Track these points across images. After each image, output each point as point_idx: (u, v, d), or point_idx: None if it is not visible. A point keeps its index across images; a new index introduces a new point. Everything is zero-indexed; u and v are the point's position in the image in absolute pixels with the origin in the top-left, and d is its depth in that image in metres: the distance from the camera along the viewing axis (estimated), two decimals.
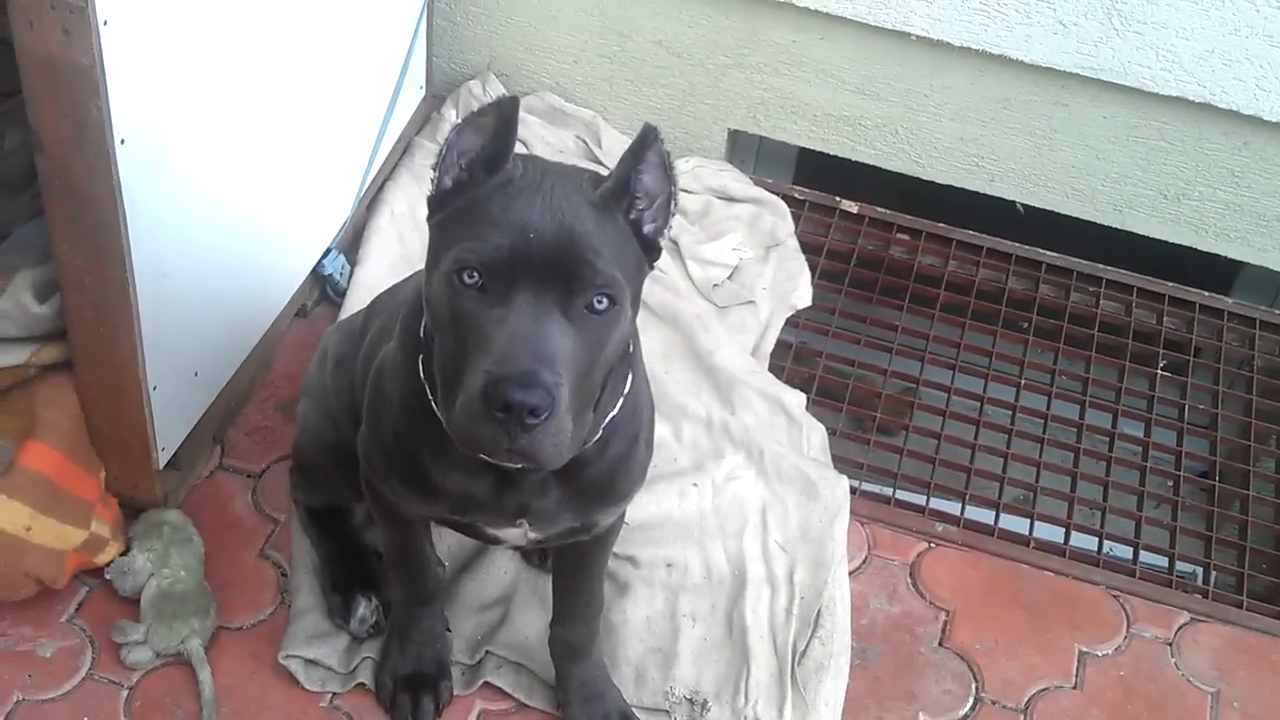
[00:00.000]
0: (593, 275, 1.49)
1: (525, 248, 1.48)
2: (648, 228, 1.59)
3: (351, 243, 2.78)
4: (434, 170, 1.57)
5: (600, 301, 1.50)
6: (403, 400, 1.75)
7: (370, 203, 2.83)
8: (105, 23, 1.73)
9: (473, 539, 2.02)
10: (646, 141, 1.53)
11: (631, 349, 1.75)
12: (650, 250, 1.61)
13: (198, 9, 1.97)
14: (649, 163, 1.54)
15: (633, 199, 1.56)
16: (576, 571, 2.04)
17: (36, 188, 1.97)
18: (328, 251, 2.67)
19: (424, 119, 3.03)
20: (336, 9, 2.44)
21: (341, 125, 2.63)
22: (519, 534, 1.85)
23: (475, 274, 1.49)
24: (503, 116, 1.52)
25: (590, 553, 2.01)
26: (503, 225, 1.49)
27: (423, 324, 1.69)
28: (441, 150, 1.57)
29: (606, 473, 1.79)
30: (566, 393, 1.47)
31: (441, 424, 1.60)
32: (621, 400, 1.74)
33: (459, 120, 1.58)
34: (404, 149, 2.96)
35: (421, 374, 1.70)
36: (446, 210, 1.57)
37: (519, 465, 1.62)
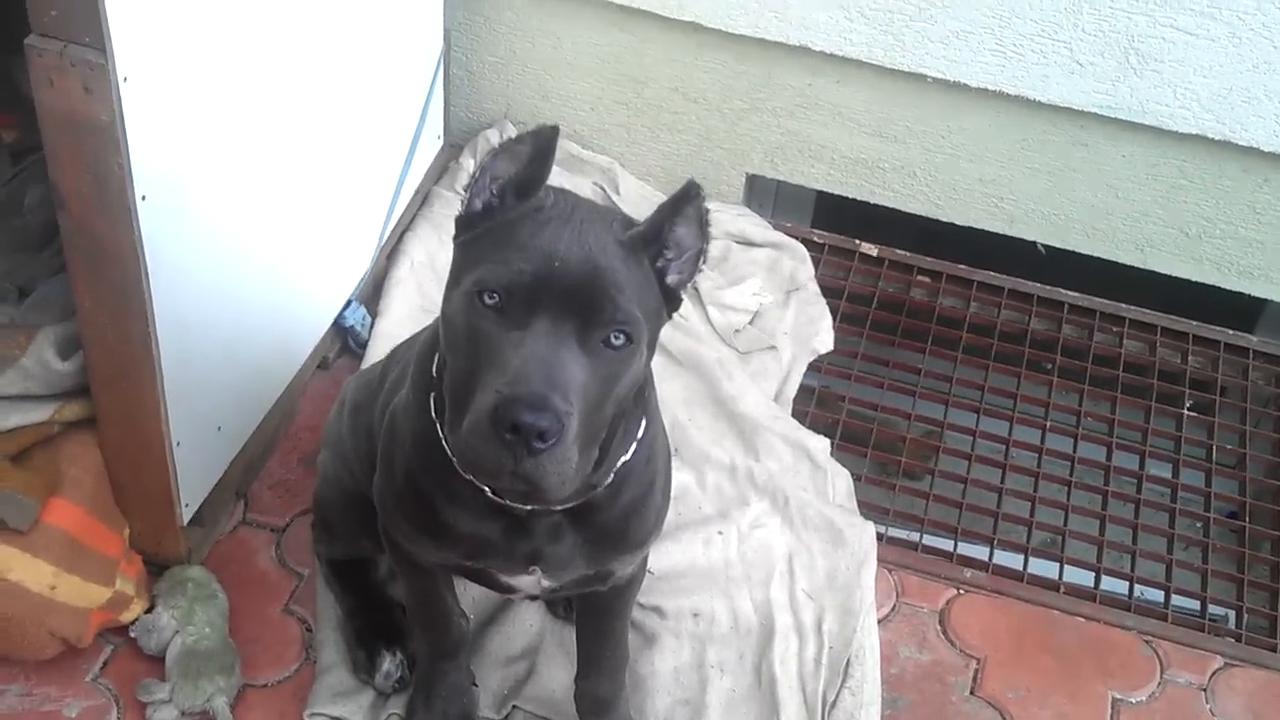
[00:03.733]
0: (613, 310, 1.48)
1: (549, 275, 1.47)
2: (672, 278, 1.59)
3: (372, 294, 2.77)
4: (465, 191, 1.57)
5: (617, 338, 1.50)
6: (415, 438, 1.74)
7: (390, 253, 2.83)
8: (125, 79, 1.73)
9: (489, 589, 2.00)
10: (688, 196, 1.52)
11: (646, 394, 1.74)
12: (671, 300, 1.60)
13: (216, 64, 1.97)
14: (686, 216, 1.54)
15: (662, 247, 1.55)
16: (599, 623, 2.02)
17: (58, 245, 1.98)
18: (348, 303, 2.67)
19: (442, 169, 3.03)
20: (355, 61, 2.45)
21: (360, 177, 2.63)
22: (532, 582, 1.83)
23: (495, 295, 1.48)
24: (540, 145, 1.52)
25: (612, 604, 1.99)
26: (529, 250, 1.49)
27: (435, 362, 1.68)
28: (474, 172, 1.56)
29: (619, 518, 1.77)
30: (575, 422, 1.46)
31: (453, 463, 1.59)
32: (635, 445, 1.73)
33: (495, 145, 1.57)
34: (423, 199, 2.95)
35: (433, 411, 1.69)
36: (473, 231, 1.57)
37: (520, 498, 1.61)
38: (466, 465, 1.51)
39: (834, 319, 2.87)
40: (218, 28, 1.95)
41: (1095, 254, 2.95)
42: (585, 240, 1.50)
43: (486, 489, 1.66)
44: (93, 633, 2.15)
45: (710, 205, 1.56)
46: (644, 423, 1.74)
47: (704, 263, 1.60)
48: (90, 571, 2.10)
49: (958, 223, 2.98)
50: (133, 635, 2.19)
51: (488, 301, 1.49)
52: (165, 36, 1.81)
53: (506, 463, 1.45)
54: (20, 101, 1.97)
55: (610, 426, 1.62)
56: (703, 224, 1.56)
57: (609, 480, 1.71)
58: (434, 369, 1.69)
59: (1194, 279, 2.92)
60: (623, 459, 1.71)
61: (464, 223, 1.58)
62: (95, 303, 1.96)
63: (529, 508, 1.69)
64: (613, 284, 1.49)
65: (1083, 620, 2.41)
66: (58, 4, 1.68)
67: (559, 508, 1.70)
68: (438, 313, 1.62)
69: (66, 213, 1.86)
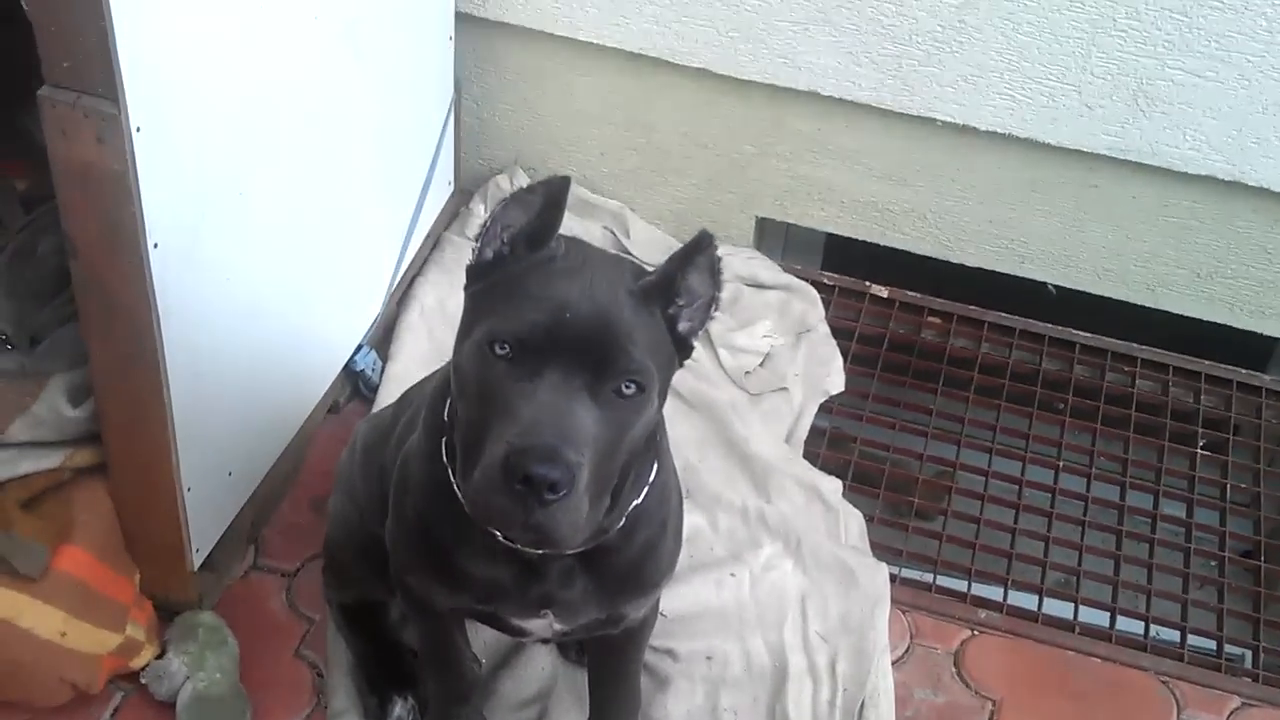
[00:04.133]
0: (625, 361, 1.48)
1: (560, 326, 1.47)
2: (683, 325, 1.58)
3: (383, 339, 2.78)
4: (476, 241, 1.57)
5: (629, 387, 1.49)
6: (426, 483, 1.74)
7: (401, 298, 2.84)
8: (138, 129, 1.74)
9: (501, 632, 2.00)
10: (700, 246, 1.52)
11: (658, 438, 1.74)
12: (682, 348, 1.60)
13: (228, 112, 1.98)
14: (698, 265, 1.54)
15: (674, 296, 1.55)
16: (611, 667, 2.01)
17: (69, 293, 1.98)
18: (359, 348, 2.68)
19: (453, 214, 3.05)
20: (367, 109, 2.47)
21: (372, 222, 2.65)
22: (544, 625, 1.82)
23: (506, 346, 1.48)
24: (551, 195, 1.52)
25: (624, 647, 1.98)
26: (540, 301, 1.48)
27: (446, 407, 1.68)
28: (485, 222, 1.56)
29: (633, 561, 1.77)
30: (586, 473, 1.46)
31: (463, 508, 1.58)
32: (647, 489, 1.72)
33: (507, 195, 1.58)
34: (433, 244, 2.97)
35: (444, 457, 1.69)
36: (484, 281, 1.57)
37: (533, 545, 1.60)
38: (478, 515, 1.51)
39: (845, 360, 2.87)
40: (229, 77, 1.96)
41: (1107, 294, 2.94)
42: (597, 291, 1.49)
43: (498, 534, 1.66)
44: (104, 679, 2.14)
45: (721, 249, 1.56)
46: (655, 466, 1.74)
47: (715, 310, 1.60)
48: (101, 618, 2.10)
49: (968, 264, 2.98)
50: (143, 681, 2.18)
51: (499, 352, 1.48)
52: (177, 86, 1.83)
53: (518, 514, 1.45)
54: (33, 151, 1.98)
55: (622, 472, 1.61)
56: (714, 273, 1.56)
57: (621, 524, 1.70)
58: (445, 414, 1.69)
59: (1206, 319, 2.92)
60: (634, 503, 1.71)
61: (475, 272, 1.58)
62: (106, 350, 1.96)
63: (540, 552, 1.68)
64: (624, 334, 1.49)
65: (1098, 661, 2.40)
66: (71, 55, 1.69)
67: (571, 551, 1.69)
68: (448, 357, 1.62)
69: (78, 261, 1.87)
